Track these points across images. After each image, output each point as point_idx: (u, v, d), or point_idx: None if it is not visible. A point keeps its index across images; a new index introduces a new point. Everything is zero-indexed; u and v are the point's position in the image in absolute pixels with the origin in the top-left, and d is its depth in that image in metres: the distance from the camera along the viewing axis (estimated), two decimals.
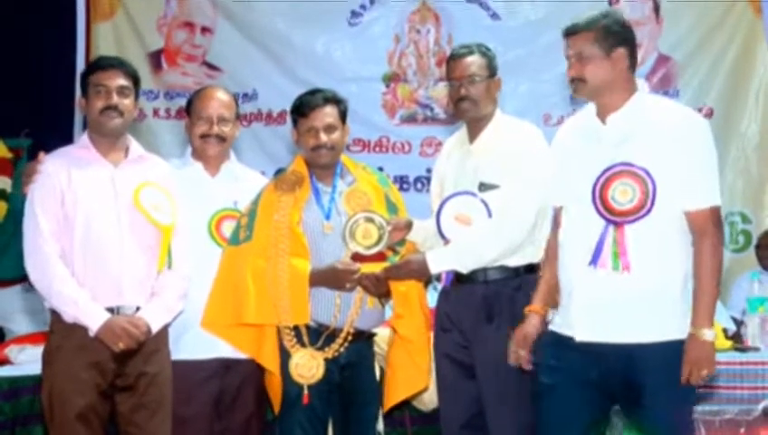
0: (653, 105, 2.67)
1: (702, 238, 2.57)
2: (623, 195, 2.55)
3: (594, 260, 2.58)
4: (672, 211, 2.57)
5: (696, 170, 2.57)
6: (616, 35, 2.62)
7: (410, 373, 3.15)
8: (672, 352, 2.55)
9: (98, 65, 3.06)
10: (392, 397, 3.19)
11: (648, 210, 2.54)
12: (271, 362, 3.05)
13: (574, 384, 2.64)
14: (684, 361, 2.54)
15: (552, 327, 2.77)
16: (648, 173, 2.54)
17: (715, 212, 2.58)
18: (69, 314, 2.86)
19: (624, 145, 2.61)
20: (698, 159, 2.57)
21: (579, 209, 2.67)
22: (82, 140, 3.06)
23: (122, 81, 3.00)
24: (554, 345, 2.72)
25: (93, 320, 2.84)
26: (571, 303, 2.67)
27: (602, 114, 2.68)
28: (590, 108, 2.76)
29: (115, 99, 2.97)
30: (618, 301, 2.57)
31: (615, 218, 2.57)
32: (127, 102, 3.00)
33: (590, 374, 2.61)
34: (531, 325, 2.82)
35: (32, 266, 2.90)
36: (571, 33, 2.66)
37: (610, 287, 2.58)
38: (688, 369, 2.53)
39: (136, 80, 3.07)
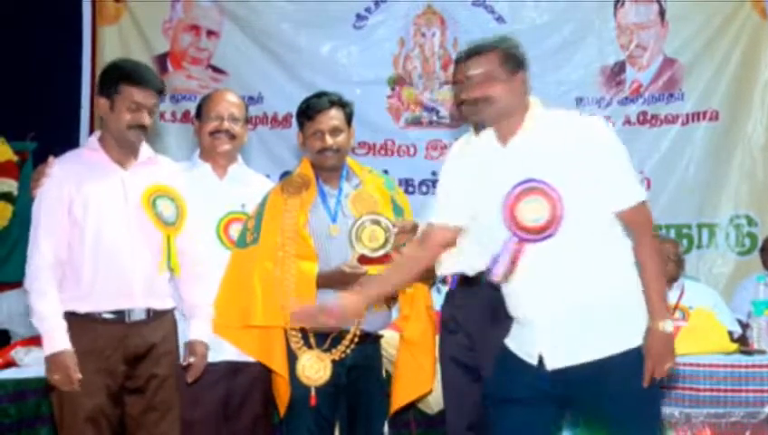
0: (551, 120, 2.61)
1: (640, 234, 2.56)
2: (533, 212, 2.50)
3: (492, 270, 2.55)
4: (602, 218, 2.54)
5: (615, 170, 2.53)
6: (517, 59, 2.59)
7: (415, 376, 3.15)
8: (635, 359, 2.53)
9: (136, 80, 2.94)
10: (397, 400, 3.20)
11: (559, 224, 2.48)
12: (280, 366, 3.06)
13: (533, 399, 2.60)
14: (646, 356, 2.52)
15: (508, 344, 2.71)
16: (553, 187, 2.48)
17: (643, 206, 2.57)
18: (39, 328, 2.86)
19: (530, 163, 2.53)
20: (614, 159, 2.53)
21: (493, 234, 2.59)
22: (92, 142, 3.05)
23: (156, 100, 2.98)
24: (512, 362, 2.68)
25: (51, 344, 2.83)
26: (532, 332, 2.59)
27: (503, 138, 2.61)
28: (487, 135, 2.68)
29: (147, 119, 2.95)
30: (578, 321, 2.52)
31: (531, 236, 2.51)
32: (152, 118, 2.99)
33: (554, 391, 2.58)
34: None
35: (26, 273, 2.92)
36: (473, 53, 2.61)
37: (567, 310, 2.53)
38: (651, 364, 2.51)
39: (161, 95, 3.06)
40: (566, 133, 2.55)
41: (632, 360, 2.52)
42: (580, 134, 2.54)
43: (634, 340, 2.54)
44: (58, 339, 2.83)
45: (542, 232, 2.50)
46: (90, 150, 3.03)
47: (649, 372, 2.52)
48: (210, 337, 3.06)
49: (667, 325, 2.53)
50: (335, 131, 3.13)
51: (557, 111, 2.69)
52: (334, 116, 3.14)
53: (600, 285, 2.53)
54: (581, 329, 2.52)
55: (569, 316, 2.52)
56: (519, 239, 2.52)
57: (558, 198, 2.48)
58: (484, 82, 2.56)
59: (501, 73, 2.56)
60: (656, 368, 2.51)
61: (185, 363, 2.98)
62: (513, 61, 2.59)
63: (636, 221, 2.56)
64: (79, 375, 2.81)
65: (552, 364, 2.55)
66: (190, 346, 3.01)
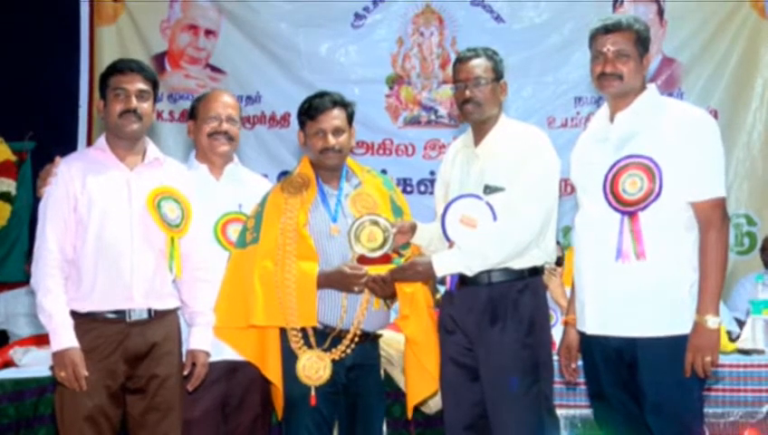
0: (659, 103, 2.76)
1: (707, 229, 2.63)
2: (632, 186, 2.63)
3: (618, 255, 2.65)
4: (678, 203, 2.63)
5: (701, 162, 2.62)
6: (646, 41, 2.75)
7: (419, 377, 3.15)
8: (678, 347, 2.59)
9: (117, 68, 3.02)
10: (411, 401, 3.20)
11: (658, 195, 2.60)
12: (274, 374, 3.06)
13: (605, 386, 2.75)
14: (687, 348, 2.58)
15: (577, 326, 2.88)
16: (653, 161, 2.62)
17: (719, 203, 2.64)
18: (47, 326, 2.85)
19: (630, 140, 2.69)
20: (704, 152, 2.63)
21: (592, 206, 2.75)
22: (100, 142, 3.05)
23: (141, 84, 2.99)
24: (582, 345, 2.86)
25: (58, 340, 2.82)
26: (584, 296, 2.75)
27: (612, 114, 2.78)
28: (603, 111, 2.85)
29: (134, 103, 2.95)
30: (627, 293, 2.64)
31: (628, 209, 2.64)
32: (145, 106, 2.99)
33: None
34: (570, 337, 2.92)
35: (32, 271, 2.91)
36: (612, 29, 2.74)
37: (621, 279, 2.65)
38: (692, 356, 2.57)
39: (155, 83, 3.06)
40: (670, 115, 2.69)
41: (665, 348, 2.59)
42: (682, 119, 2.68)
43: (668, 329, 2.60)
44: (65, 336, 2.82)
45: (641, 202, 2.63)
46: (97, 150, 3.03)
47: (688, 364, 2.58)
48: (211, 344, 3.04)
49: (710, 321, 2.58)
50: (337, 131, 3.12)
51: (674, 100, 2.97)
52: (337, 116, 3.14)
53: (652, 268, 2.62)
54: (618, 303, 2.65)
55: (611, 287, 2.67)
56: (627, 214, 2.65)
57: (656, 171, 2.62)
58: (617, 58, 2.72)
59: (634, 53, 2.73)
60: (695, 361, 2.57)
61: (186, 372, 2.98)
62: (644, 43, 2.75)
63: (707, 215, 2.63)
64: (86, 372, 2.80)
65: (589, 329, 2.72)
66: (191, 355, 3.00)
